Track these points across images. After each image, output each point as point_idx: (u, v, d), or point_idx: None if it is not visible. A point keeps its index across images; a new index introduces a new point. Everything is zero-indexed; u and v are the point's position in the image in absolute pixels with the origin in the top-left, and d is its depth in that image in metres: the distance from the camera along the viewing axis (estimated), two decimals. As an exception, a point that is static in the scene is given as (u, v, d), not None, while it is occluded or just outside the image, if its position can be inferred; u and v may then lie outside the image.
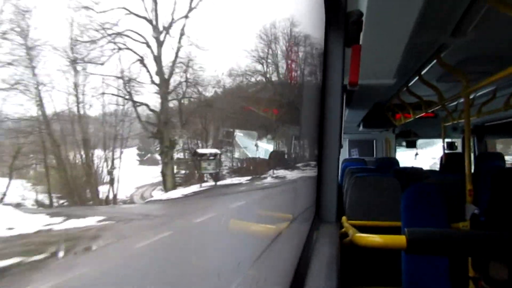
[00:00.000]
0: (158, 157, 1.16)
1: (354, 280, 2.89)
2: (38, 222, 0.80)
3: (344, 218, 2.99)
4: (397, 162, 6.23)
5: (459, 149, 7.04)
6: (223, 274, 0.85)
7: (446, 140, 6.57)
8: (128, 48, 0.80)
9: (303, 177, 1.58)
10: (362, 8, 1.60)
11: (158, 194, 1.20)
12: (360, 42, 1.70)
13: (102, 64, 0.73)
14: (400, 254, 2.70)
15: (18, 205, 0.86)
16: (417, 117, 4.77)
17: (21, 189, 0.88)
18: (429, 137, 7.68)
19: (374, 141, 7.59)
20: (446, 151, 6.26)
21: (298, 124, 1.59)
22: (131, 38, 0.81)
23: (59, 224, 0.79)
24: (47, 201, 0.94)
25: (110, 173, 1.06)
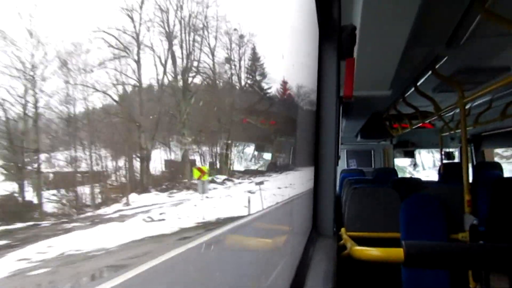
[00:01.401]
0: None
1: None
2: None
3: (343, 229, 2.97)
4: (395, 173, 6.23)
5: (457, 159, 7.06)
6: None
7: (444, 149, 6.59)
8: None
9: (300, 190, 1.57)
10: (355, 21, 1.61)
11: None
12: (355, 55, 1.71)
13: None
14: (400, 266, 2.68)
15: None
16: (414, 127, 4.78)
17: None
18: (427, 147, 7.71)
19: (372, 151, 7.61)
20: (444, 161, 6.28)
21: (294, 137, 1.60)
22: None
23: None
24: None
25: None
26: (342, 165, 7.46)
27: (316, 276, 0.98)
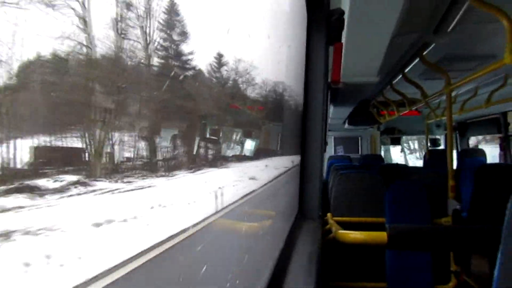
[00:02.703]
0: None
1: (339, 276, 2.92)
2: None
3: (329, 214, 3.01)
4: (382, 159, 6.32)
5: (443, 146, 7.18)
6: (205, 271, 0.85)
7: (430, 136, 6.70)
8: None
9: (286, 175, 1.56)
10: (344, 6, 1.61)
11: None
12: (344, 41, 1.70)
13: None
14: (384, 250, 2.74)
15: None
16: (401, 114, 4.84)
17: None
18: (414, 134, 7.81)
19: (360, 138, 7.68)
20: (429, 148, 6.39)
21: (281, 122, 1.58)
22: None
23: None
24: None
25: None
26: (330, 151, 7.53)
27: (301, 256, 1.00)
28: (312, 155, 1.44)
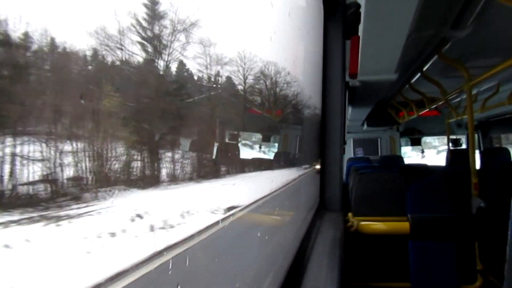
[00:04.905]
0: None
1: (361, 276, 2.89)
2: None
3: (350, 214, 3.00)
4: (402, 160, 6.22)
5: (465, 146, 7.03)
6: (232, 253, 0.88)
7: (451, 136, 6.57)
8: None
9: (307, 170, 1.58)
10: (360, 1, 1.62)
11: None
12: (360, 35, 1.71)
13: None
14: (407, 249, 2.71)
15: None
16: (421, 113, 4.78)
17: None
18: (434, 134, 7.67)
19: (379, 139, 7.57)
20: (451, 148, 6.26)
21: (302, 116, 1.60)
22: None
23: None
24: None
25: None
26: (349, 153, 7.44)
27: (324, 242, 1.01)
28: (332, 147, 1.45)
